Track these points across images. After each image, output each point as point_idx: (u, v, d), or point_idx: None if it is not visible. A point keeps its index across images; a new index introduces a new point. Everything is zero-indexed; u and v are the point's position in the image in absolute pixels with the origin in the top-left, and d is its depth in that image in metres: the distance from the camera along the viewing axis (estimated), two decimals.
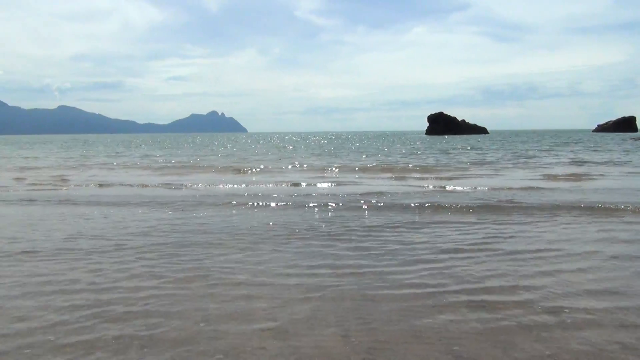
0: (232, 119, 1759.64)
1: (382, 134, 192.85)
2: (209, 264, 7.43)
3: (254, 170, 26.56)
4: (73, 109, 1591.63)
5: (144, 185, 18.73)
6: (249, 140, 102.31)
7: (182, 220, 11.21)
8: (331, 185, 18.84)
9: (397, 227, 10.29)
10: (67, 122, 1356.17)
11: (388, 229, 10.08)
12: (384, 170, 26.26)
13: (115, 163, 33.29)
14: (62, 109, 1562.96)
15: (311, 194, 15.90)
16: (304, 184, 19.10)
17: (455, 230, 9.93)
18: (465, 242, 8.82)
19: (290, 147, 57.85)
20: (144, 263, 7.45)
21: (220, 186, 18.44)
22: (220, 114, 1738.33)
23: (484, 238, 9.21)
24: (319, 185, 18.92)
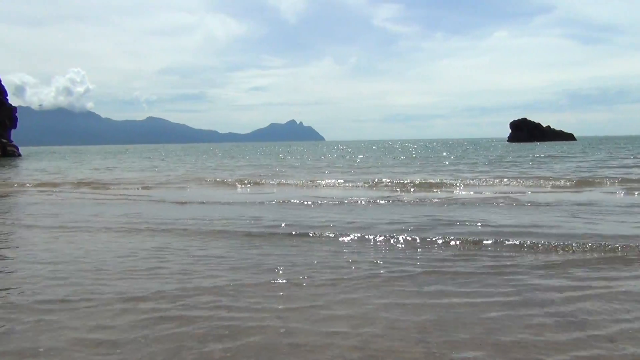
0: (310, 127, 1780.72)
1: (461, 141, 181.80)
2: None
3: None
4: (160, 119, 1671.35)
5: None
6: (347, 149, 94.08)
7: None
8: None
9: None
10: (154, 132, 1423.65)
11: None
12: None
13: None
14: (150, 119, 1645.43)
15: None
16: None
17: None
18: None
19: (402, 157, 45.86)
20: None
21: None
22: (298, 122, 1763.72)
23: None
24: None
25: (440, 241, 7.85)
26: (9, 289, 5.50)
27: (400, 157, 44.82)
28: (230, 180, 21.69)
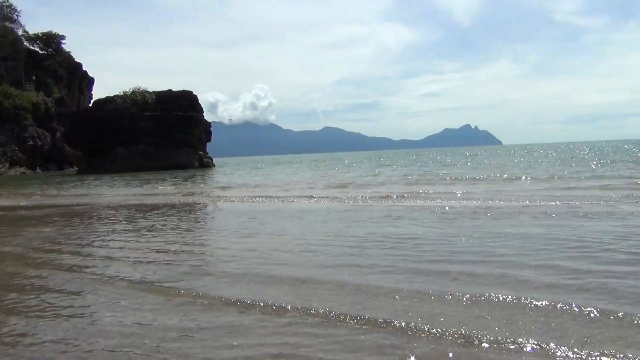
0: (486, 131, 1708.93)
1: None
2: None
3: None
4: (335, 129, 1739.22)
5: None
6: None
7: None
8: None
9: None
10: (330, 141, 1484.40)
11: None
12: None
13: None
14: (326, 129, 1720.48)
15: None
16: None
17: None
18: None
19: None
20: None
21: None
22: (473, 127, 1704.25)
23: None
24: None
25: None
26: None
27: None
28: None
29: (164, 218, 12.88)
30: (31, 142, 70.30)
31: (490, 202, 13.59)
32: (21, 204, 19.57)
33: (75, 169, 67.98)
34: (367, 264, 6.69)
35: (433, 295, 5.21)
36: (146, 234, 10.12)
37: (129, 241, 9.37)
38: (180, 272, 6.67)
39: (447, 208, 12.58)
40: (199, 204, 17.25)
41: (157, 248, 8.49)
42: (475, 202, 13.76)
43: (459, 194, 15.91)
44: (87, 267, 7.24)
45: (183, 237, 9.69)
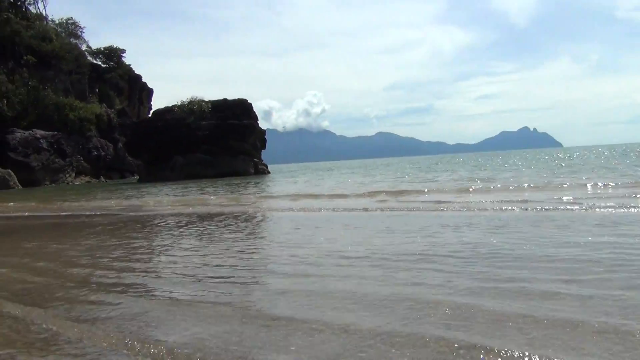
0: (545, 133, 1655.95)
1: None
2: None
3: None
4: (389, 134, 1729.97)
5: None
6: None
7: None
8: None
9: None
10: (383, 147, 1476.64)
11: None
12: None
13: None
14: (380, 135, 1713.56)
15: None
16: None
17: None
18: None
19: None
20: None
21: None
22: (532, 129, 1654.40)
23: None
24: None
25: None
26: None
27: None
28: None
29: (222, 227, 12.80)
30: (95, 153, 73.19)
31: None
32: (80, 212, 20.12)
33: (136, 177, 70.25)
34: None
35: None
36: (206, 245, 9.99)
37: (193, 249, 9.28)
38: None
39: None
40: (258, 212, 17.12)
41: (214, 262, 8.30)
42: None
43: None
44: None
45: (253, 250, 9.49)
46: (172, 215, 16.77)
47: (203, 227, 12.79)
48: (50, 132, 66.02)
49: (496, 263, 6.71)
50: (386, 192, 21.07)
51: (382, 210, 14.78)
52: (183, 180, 52.13)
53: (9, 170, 57.16)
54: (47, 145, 64.62)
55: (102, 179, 73.78)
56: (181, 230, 12.48)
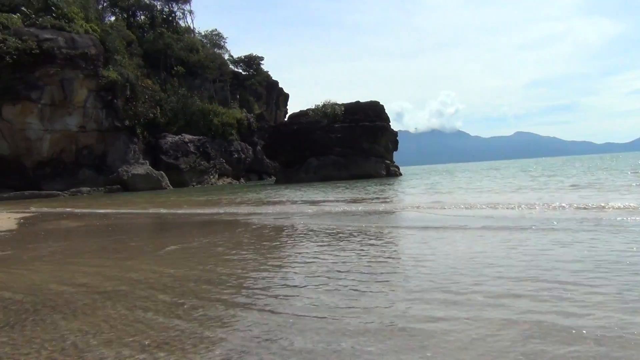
0: None
1: None
2: None
3: None
4: (528, 133, 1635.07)
5: None
6: None
7: None
8: None
9: None
10: (522, 147, 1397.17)
11: None
12: None
13: None
14: (518, 134, 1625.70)
15: None
16: None
17: None
18: None
19: None
20: None
21: None
22: None
23: None
24: None
25: None
26: None
27: None
28: None
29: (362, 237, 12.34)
30: (236, 155, 77.65)
31: None
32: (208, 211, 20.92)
33: (273, 178, 73.26)
34: None
35: None
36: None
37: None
38: None
39: None
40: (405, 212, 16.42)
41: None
42: None
43: None
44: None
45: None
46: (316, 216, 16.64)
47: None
48: (196, 137, 71.38)
49: None
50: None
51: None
52: (316, 182, 53.09)
53: (162, 172, 62.71)
54: (194, 149, 69.91)
55: (242, 180, 78.05)
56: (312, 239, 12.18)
